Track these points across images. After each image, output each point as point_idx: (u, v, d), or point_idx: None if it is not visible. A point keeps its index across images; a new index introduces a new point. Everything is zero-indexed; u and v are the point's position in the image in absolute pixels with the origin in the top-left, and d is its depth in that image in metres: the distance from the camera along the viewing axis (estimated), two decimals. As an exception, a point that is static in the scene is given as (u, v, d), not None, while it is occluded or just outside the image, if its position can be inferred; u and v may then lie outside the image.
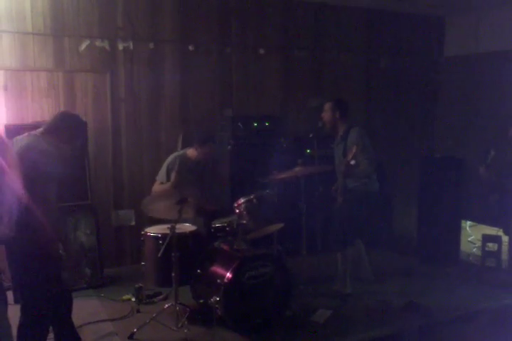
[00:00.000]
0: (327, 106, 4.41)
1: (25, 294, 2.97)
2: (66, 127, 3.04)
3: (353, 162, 4.05)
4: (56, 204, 2.97)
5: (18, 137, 3.03)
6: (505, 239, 5.09)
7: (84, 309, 3.79)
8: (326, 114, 4.41)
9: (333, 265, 4.53)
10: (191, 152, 4.47)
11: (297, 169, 4.32)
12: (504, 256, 5.03)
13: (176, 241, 3.59)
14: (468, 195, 5.46)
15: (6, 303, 3.35)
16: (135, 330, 3.56)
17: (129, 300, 4.17)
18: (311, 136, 4.52)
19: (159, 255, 3.59)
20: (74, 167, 4.35)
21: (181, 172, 4.35)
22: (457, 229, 5.27)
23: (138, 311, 3.98)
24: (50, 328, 3.14)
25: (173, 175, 4.31)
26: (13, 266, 3.00)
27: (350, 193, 4.25)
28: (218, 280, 3.53)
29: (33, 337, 2.98)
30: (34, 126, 3.12)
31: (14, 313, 3.37)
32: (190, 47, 5.19)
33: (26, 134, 3.00)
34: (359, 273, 4.62)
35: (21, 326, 2.96)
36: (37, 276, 2.90)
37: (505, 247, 5.05)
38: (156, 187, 4.45)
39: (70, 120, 3.10)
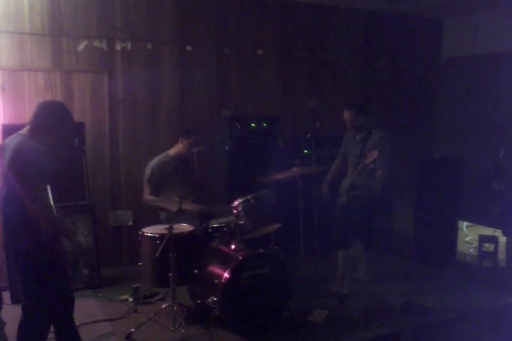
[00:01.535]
0: (349, 115, 4.31)
1: (27, 292, 2.96)
2: (50, 116, 2.98)
3: (372, 166, 4.11)
4: (49, 202, 2.96)
5: (8, 138, 3.02)
6: (502, 239, 5.11)
7: (82, 309, 3.77)
8: (352, 122, 4.33)
9: (330, 265, 4.54)
10: (175, 149, 4.56)
11: (295, 169, 4.33)
12: (501, 256, 5.05)
13: (173, 242, 3.60)
14: (465, 196, 5.46)
15: (0, 303, 3.37)
16: (132, 330, 3.56)
17: (127, 300, 4.17)
18: (308, 136, 4.52)
19: (157, 255, 3.60)
20: (69, 165, 4.36)
21: (166, 176, 4.46)
22: (454, 230, 5.29)
23: (135, 311, 3.98)
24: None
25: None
26: (17, 264, 3.00)
27: (355, 193, 4.28)
28: (216, 281, 3.53)
29: (33, 336, 2.98)
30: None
31: (12, 313, 3.39)
32: (189, 48, 5.20)
33: (15, 134, 2.98)
34: (356, 274, 4.63)
35: (22, 324, 2.96)
36: (41, 274, 2.90)
37: (501, 248, 5.07)
38: (148, 198, 4.48)
39: (51, 108, 3.05)
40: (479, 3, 5.80)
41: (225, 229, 3.99)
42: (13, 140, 2.94)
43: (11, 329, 3.03)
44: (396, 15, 6.34)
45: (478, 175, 5.99)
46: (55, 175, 2.99)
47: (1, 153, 2.95)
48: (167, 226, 3.64)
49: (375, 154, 4.04)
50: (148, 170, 4.51)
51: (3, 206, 2.96)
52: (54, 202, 3.06)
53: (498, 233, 5.17)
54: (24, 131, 2.97)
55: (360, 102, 4.56)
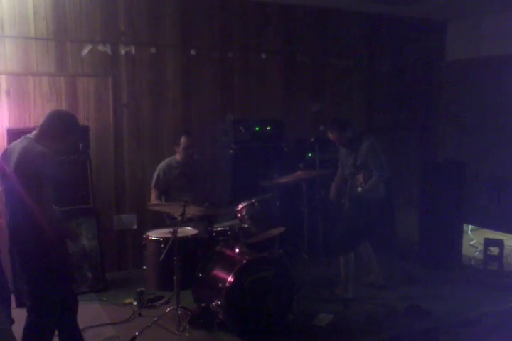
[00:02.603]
0: (333, 136, 4.33)
1: (32, 294, 2.97)
2: (60, 126, 3.01)
3: (360, 189, 4.18)
4: (53, 205, 2.97)
5: (14, 142, 3.04)
6: (507, 242, 5.08)
7: (86, 313, 3.78)
8: (340, 141, 4.36)
9: (334, 269, 4.53)
10: (177, 154, 4.64)
11: (299, 173, 4.34)
12: (507, 259, 5.02)
13: (177, 245, 3.60)
14: (470, 199, 5.45)
15: (9, 303, 3.37)
16: (137, 334, 3.55)
17: (131, 304, 4.17)
18: (312, 139, 4.52)
19: (161, 259, 3.60)
20: (73, 169, 4.38)
21: (171, 180, 4.55)
22: (459, 233, 5.27)
23: (139, 315, 3.97)
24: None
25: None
26: (23, 266, 3.01)
27: (358, 200, 4.29)
28: (220, 284, 3.53)
29: (38, 339, 2.99)
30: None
31: (16, 317, 3.40)
32: (192, 52, 5.21)
33: (21, 138, 3.01)
34: (369, 278, 4.60)
35: (27, 327, 2.97)
36: (45, 276, 2.91)
37: (507, 251, 5.05)
38: (154, 201, 4.54)
39: (63, 118, 3.09)
40: (484, 6, 5.80)
41: (229, 232, 3.99)
42: (19, 144, 2.96)
43: (16, 333, 3.03)
44: (400, 18, 6.33)
45: (483, 178, 5.97)
46: (59, 179, 3.00)
47: (7, 157, 2.97)
48: (171, 229, 3.65)
49: (360, 178, 4.17)
50: (154, 174, 4.58)
51: (8, 209, 2.97)
52: (57, 206, 3.08)
53: (503, 236, 5.14)
54: (31, 135, 3.00)
55: (339, 119, 4.54)
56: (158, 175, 4.56)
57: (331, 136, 4.35)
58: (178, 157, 4.64)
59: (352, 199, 4.35)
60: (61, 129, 3.02)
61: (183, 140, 4.55)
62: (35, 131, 3.01)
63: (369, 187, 4.22)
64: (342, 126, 4.33)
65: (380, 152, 4.28)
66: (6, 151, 3.03)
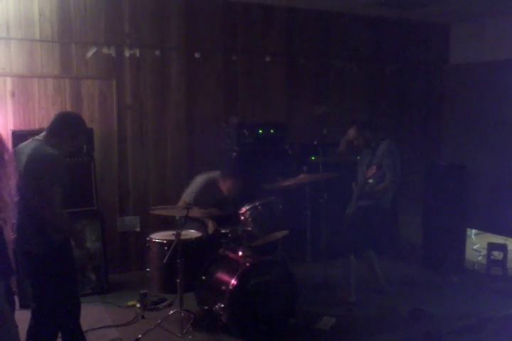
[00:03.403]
0: (354, 133, 4.35)
1: (38, 296, 2.98)
2: (67, 127, 3.04)
3: (370, 180, 4.17)
4: (62, 207, 2.98)
5: (23, 143, 3.06)
6: (511, 247, 5.06)
7: (89, 315, 3.79)
8: (357, 140, 4.36)
9: (337, 272, 4.52)
10: (221, 183, 4.40)
11: (302, 176, 4.33)
12: (510, 264, 5.01)
13: (181, 248, 3.60)
14: (473, 203, 5.44)
15: (13, 306, 3.37)
16: (140, 336, 3.56)
17: (134, 306, 4.17)
18: (315, 143, 4.53)
19: (164, 261, 3.60)
20: (78, 171, 4.38)
21: (206, 197, 4.31)
22: (462, 238, 5.25)
23: (143, 317, 3.98)
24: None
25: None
26: (27, 268, 3.01)
27: (364, 203, 4.31)
28: (223, 287, 3.53)
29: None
30: (41, 132, 3.15)
31: (20, 318, 3.39)
32: (196, 55, 5.22)
33: (30, 140, 3.03)
34: (376, 287, 4.56)
35: (31, 329, 2.98)
36: (50, 278, 2.92)
37: (510, 255, 5.03)
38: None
39: (70, 119, 3.12)
40: (486, 9, 5.80)
41: (229, 235, 3.98)
42: (28, 145, 2.98)
43: (20, 334, 3.03)
44: (403, 21, 6.34)
45: (486, 182, 5.97)
46: (68, 181, 3.02)
47: (16, 158, 2.97)
48: (175, 232, 3.65)
49: (373, 170, 4.14)
50: (191, 189, 4.38)
51: (16, 210, 2.98)
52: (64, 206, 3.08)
53: (507, 241, 5.13)
54: (40, 136, 3.02)
55: (360, 119, 4.54)
56: (197, 193, 4.31)
57: (352, 135, 4.38)
58: (220, 184, 4.39)
59: (356, 208, 4.35)
60: (69, 130, 3.04)
61: (229, 183, 4.34)
62: (43, 133, 3.03)
63: (379, 190, 4.22)
64: (360, 125, 4.35)
65: (397, 155, 4.27)
66: (14, 152, 3.04)
